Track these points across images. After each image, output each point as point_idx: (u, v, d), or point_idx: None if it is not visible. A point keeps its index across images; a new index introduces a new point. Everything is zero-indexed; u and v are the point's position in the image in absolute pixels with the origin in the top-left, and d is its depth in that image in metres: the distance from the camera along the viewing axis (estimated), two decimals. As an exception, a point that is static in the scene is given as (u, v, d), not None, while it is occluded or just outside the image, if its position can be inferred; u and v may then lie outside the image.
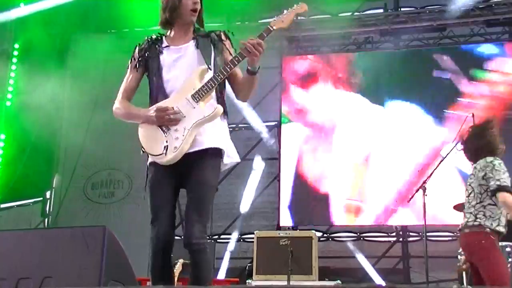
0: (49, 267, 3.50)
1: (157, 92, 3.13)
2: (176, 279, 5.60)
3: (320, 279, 6.17)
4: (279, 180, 9.16)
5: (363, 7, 9.58)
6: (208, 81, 3.03)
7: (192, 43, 3.17)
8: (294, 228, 8.57)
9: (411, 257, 8.65)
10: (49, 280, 3.43)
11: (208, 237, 9.57)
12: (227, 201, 9.40)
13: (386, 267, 8.66)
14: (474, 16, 8.86)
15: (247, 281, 6.28)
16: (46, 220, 9.82)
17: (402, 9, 9.37)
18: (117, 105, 3.30)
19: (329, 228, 8.99)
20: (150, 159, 3.17)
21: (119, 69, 11.24)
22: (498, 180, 3.97)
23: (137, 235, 8.91)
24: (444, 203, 6.60)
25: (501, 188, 3.95)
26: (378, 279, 8.24)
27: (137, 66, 3.22)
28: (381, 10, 9.42)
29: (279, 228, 8.65)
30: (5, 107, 9.00)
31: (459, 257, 5.38)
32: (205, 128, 3.04)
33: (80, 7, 9.08)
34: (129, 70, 3.28)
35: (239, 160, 3.27)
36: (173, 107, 3.02)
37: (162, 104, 3.05)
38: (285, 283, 5.68)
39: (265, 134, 9.65)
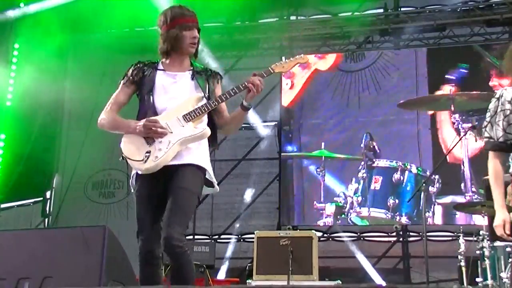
0: (49, 267, 3.50)
1: (148, 110, 3.24)
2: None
3: (320, 279, 6.17)
4: (279, 180, 9.16)
5: (363, 7, 9.57)
6: (202, 106, 3.18)
7: (188, 73, 3.33)
8: (294, 228, 8.56)
9: (411, 257, 8.65)
10: (49, 280, 3.43)
11: (208, 237, 9.56)
12: (227, 201, 9.40)
13: (386, 267, 8.66)
14: (474, 16, 8.86)
15: (247, 281, 6.28)
16: (46, 220, 9.82)
17: (402, 9, 9.36)
18: (103, 115, 3.37)
19: (329, 228, 8.99)
20: (133, 170, 3.24)
21: (119, 69, 11.21)
22: None
23: (137, 235, 8.93)
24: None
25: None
26: (378, 279, 8.23)
27: (130, 83, 3.35)
28: (381, 10, 9.41)
29: (279, 228, 8.66)
30: (5, 107, 8.99)
31: (459, 257, 5.41)
32: (190, 147, 3.15)
33: (80, 7, 9.08)
34: (120, 86, 3.39)
35: (217, 189, 3.35)
36: (160, 122, 3.15)
37: (151, 118, 3.17)
38: (285, 283, 5.67)
39: (265, 134, 9.65)
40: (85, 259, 3.47)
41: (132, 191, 3.24)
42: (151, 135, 3.13)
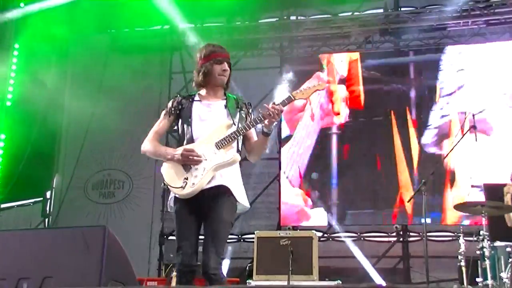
0: (49, 267, 3.50)
1: (186, 137, 3.58)
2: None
3: (320, 279, 6.17)
4: (279, 180, 9.15)
5: (363, 7, 9.57)
6: (231, 133, 3.51)
7: (222, 102, 3.69)
8: (294, 228, 8.56)
9: (411, 257, 8.65)
10: (49, 280, 3.43)
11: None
12: (227, 201, 9.40)
13: (386, 267, 8.65)
14: (474, 16, 8.86)
15: (247, 281, 6.28)
16: (47, 220, 9.83)
17: (402, 9, 9.36)
18: (146, 143, 3.67)
19: (329, 228, 8.99)
20: (172, 193, 3.59)
21: (118, 69, 11.31)
22: None
23: (138, 235, 8.93)
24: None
25: None
26: (378, 279, 8.23)
27: (171, 114, 3.68)
28: (381, 10, 9.41)
29: (279, 228, 8.66)
30: (5, 107, 8.99)
31: (459, 257, 5.40)
32: (222, 171, 3.51)
33: (80, 7, 9.08)
34: (162, 116, 3.72)
35: (248, 206, 3.68)
36: (196, 150, 3.49)
37: (188, 146, 3.51)
38: (285, 283, 5.68)
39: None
40: (85, 259, 3.47)
41: (169, 210, 3.57)
42: (188, 163, 3.46)
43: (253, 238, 6.54)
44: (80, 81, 10.05)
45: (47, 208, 9.90)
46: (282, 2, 9.85)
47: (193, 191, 3.40)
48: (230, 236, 9.09)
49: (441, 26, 9.02)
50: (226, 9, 9.16)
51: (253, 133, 3.67)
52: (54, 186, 10.04)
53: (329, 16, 9.64)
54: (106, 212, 9.69)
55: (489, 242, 5.01)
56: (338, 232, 8.93)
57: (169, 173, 3.52)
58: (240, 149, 3.62)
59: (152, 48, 9.90)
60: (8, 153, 8.94)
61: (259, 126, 3.60)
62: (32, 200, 9.88)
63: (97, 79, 9.60)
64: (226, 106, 3.65)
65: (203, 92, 3.72)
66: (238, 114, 3.64)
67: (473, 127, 5.73)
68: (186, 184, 3.42)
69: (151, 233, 9.48)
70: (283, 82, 9.46)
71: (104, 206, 9.77)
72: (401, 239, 8.82)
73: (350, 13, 9.52)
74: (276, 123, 3.53)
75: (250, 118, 3.65)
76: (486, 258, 4.94)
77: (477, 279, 5.03)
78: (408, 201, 7.86)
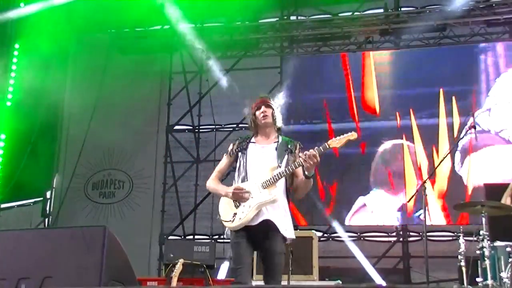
0: (49, 267, 3.50)
1: (240, 176, 4.10)
2: (176, 279, 5.61)
3: (320, 279, 6.17)
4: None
5: (363, 7, 9.58)
6: (275, 175, 3.92)
7: (273, 145, 4.12)
8: (294, 228, 8.55)
9: (411, 257, 8.66)
10: (49, 280, 3.43)
11: (208, 237, 9.55)
12: (227, 201, 9.40)
13: (386, 267, 8.66)
14: (474, 16, 8.86)
15: (247, 281, 6.27)
16: (46, 220, 9.82)
17: (402, 9, 9.36)
18: (210, 181, 4.30)
19: (329, 228, 8.99)
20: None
21: (119, 69, 11.29)
22: None
23: (138, 235, 8.93)
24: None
25: None
26: (378, 279, 8.23)
27: (231, 155, 4.22)
28: (381, 10, 9.41)
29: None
30: (5, 107, 8.99)
31: (459, 257, 5.40)
32: (270, 208, 3.92)
33: (80, 7, 9.07)
34: (225, 156, 4.27)
35: (293, 237, 4.05)
36: (245, 189, 3.98)
37: (240, 185, 4.03)
38: (285, 283, 5.67)
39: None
40: (85, 259, 3.47)
41: (225, 237, 4.08)
42: (238, 200, 3.97)
43: (253, 238, 6.53)
44: (80, 81, 10.05)
45: (47, 208, 9.89)
46: (282, 2, 9.85)
47: (239, 225, 3.89)
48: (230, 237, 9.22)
49: (441, 26, 9.02)
50: (226, 9, 9.15)
51: (300, 172, 4.00)
52: (54, 186, 10.04)
53: (329, 16, 9.65)
54: (106, 212, 9.69)
55: (489, 242, 5.01)
56: (338, 232, 8.93)
57: (223, 208, 4.09)
58: (288, 187, 4.05)
59: (152, 48, 9.90)
60: (8, 153, 8.93)
61: None
62: (32, 200, 9.88)
63: (97, 79, 9.60)
64: (276, 149, 4.09)
65: (259, 135, 4.21)
66: (285, 156, 4.03)
67: (473, 127, 5.73)
68: (234, 219, 3.94)
69: (151, 233, 9.49)
70: (283, 82, 9.47)
71: (104, 206, 9.77)
72: (401, 239, 8.82)
73: (350, 13, 9.53)
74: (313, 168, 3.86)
75: (294, 160, 4.01)
76: (486, 258, 4.93)
77: (477, 279, 5.02)
78: (408, 201, 7.86)
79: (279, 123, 4.24)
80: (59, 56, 9.72)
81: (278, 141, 4.15)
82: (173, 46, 9.99)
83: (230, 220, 3.96)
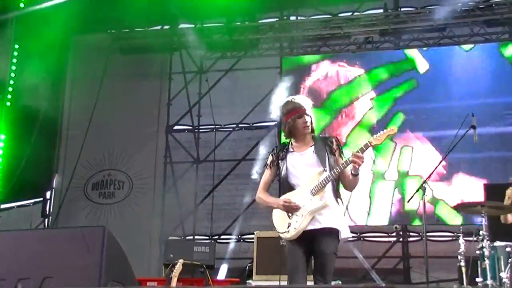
0: (49, 267, 3.50)
1: (285, 185, 4.12)
2: (176, 279, 5.61)
3: (320, 279, 6.14)
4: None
5: (363, 7, 9.58)
6: (322, 180, 3.94)
7: (311, 149, 4.10)
8: (294, 228, 8.55)
9: (411, 257, 8.65)
10: (49, 280, 3.43)
11: (208, 237, 9.54)
12: (227, 201, 9.41)
13: (386, 267, 8.66)
14: (474, 16, 8.86)
15: (247, 281, 6.28)
16: (46, 220, 9.82)
17: (402, 9, 9.37)
18: (259, 195, 4.30)
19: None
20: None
21: (118, 69, 11.29)
22: None
23: (138, 235, 8.93)
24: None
25: None
26: (378, 279, 8.23)
27: (272, 166, 4.23)
28: (381, 10, 9.42)
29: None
30: (5, 107, 8.99)
31: (459, 257, 5.40)
32: (324, 212, 3.94)
33: (80, 7, 9.07)
34: (266, 169, 4.29)
35: (350, 236, 4.06)
36: (294, 200, 4.00)
37: (288, 195, 4.05)
38: (285, 283, 5.67)
39: (265, 134, 9.64)
40: (85, 259, 3.46)
41: (282, 243, 4.16)
42: (289, 211, 3.99)
43: (253, 238, 6.54)
44: (80, 81, 10.06)
45: (47, 209, 9.89)
46: (282, 2, 9.85)
47: (295, 234, 3.93)
48: (230, 236, 9.23)
49: (441, 26, 9.03)
50: (226, 9, 9.16)
51: (347, 172, 4.02)
52: (54, 186, 10.04)
53: (329, 16, 9.65)
54: (106, 213, 9.68)
55: (488, 242, 5.01)
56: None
57: (276, 220, 4.12)
58: (337, 189, 4.06)
59: (152, 48, 9.91)
60: (8, 154, 8.93)
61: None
62: (32, 201, 9.88)
63: (97, 79, 9.60)
64: (315, 152, 4.08)
65: (294, 142, 4.18)
66: (326, 158, 4.04)
67: (473, 127, 5.73)
68: (289, 229, 3.97)
69: (151, 233, 9.48)
70: (282, 82, 9.47)
71: (104, 206, 9.76)
72: (401, 239, 8.82)
73: (350, 13, 9.53)
74: (360, 167, 3.91)
75: (336, 157, 4.06)
76: (485, 258, 4.94)
77: (477, 279, 5.03)
78: (408, 201, 7.85)
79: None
80: (59, 56, 9.72)
81: (313, 144, 4.15)
82: (173, 46, 10.00)
83: (286, 231, 4.02)
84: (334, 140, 4.14)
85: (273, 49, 10.06)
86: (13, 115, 9.00)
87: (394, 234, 8.85)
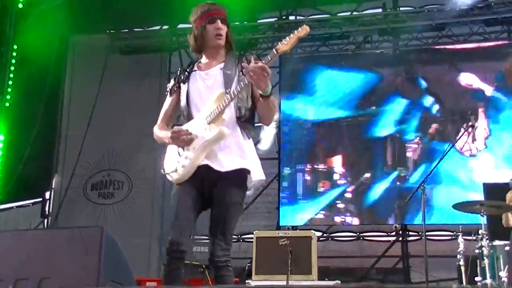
0: (47, 268, 3.50)
1: (184, 114, 3.24)
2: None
3: (319, 279, 6.15)
4: (279, 180, 9.15)
5: (362, 7, 9.57)
6: (220, 104, 3.05)
7: (218, 67, 3.20)
8: (293, 228, 8.56)
9: (411, 256, 8.64)
10: (47, 281, 3.43)
11: (208, 237, 9.54)
12: (227, 201, 9.39)
13: (386, 267, 8.65)
14: (473, 15, 8.85)
15: (246, 281, 6.27)
16: (46, 220, 9.82)
17: (401, 8, 9.36)
18: (155, 128, 3.38)
19: (329, 228, 8.99)
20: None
21: (118, 69, 11.29)
22: None
23: (137, 236, 8.92)
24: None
25: None
26: (378, 279, 8.23)
27: (172, 92, 3.34)
28: (380, 10, 9.41)
29: (278, 228, 8.65)
30: (4, 108, 8.99)
31: (458, 256, 5.40)
32: (226, 148, 3.07)
33: (80, 7, 9.08)
34: (168, 95, 3.40)
35: (263, 178, 3.22)
36: (187, 129, 3.11)
37: (186, 126, 3.15)
38: (284, 283, 5.66)
39: (265, 134, 9.63)
40: (83, 260, 3.46)
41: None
42: (179, 145, 3.10)
43: (252, 238, 6.53)
44: (79, 81, 10.05)
45: (47, 209, 9.89)
46: (281, 2, 9.84)
47: (183, 175, 3.05)
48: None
49: (440, 26, 9.02)
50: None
51: (257, 94, 3.12)
52: (53, 186, 10.03)
53: (328, 16, 9.63)
54: (105, 213, 9.68)
55: (488, 241, 5.01)
56: (337, 232, 8.93)
57: (166, 158, 3.21)
58: (248, 119, 3.17)
59: (151, 48, 9.90)
60: (7, 154, 8.93)
61: None
62: (32, 201, 9.87)
63: (96, 79, 9.59)
64: (222, 70, 3.16)
65: (203, 59, 3.27)
66: (236, 75, 3.13)
67: (472, 127, 5.73)
68: (176, 168, 3.09)
69: (150, 233, 9.48)
70: (282, 82, 9.46)
71: (104, 206, 9.75)
72: (400, 238, 8.82)
73: (349, 13, 9.51)
74: (269, 82, 3.03)
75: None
76: (485, 257, 4.93)
77: (476, 278, 5.03)
78: (406, 201, 7.84)
79: (233, 47, 3.32)
80: (59, 56, 9.73)
81: (225, 60, 3.22)
82: (172, 46, 10.00)
83: (173, 171, 3.09)
84: (253, 57, 3.15)
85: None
86: (12, 115, 9.01)
87: (393, 233, 8.84)
